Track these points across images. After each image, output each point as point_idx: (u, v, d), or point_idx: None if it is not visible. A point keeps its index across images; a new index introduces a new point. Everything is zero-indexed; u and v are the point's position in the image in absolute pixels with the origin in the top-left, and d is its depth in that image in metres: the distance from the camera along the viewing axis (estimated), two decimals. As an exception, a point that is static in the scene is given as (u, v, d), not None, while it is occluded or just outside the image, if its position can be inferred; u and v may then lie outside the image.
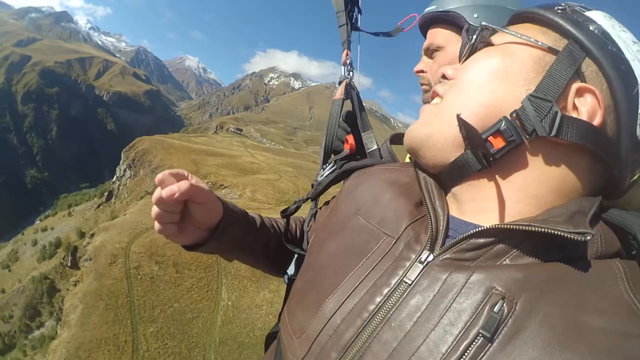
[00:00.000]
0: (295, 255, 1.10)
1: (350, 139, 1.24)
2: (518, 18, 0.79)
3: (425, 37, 1.56)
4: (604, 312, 0.54)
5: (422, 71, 1.59)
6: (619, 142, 0.66)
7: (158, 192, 0.85)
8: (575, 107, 0.66)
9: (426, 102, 1.26)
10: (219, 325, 43.29)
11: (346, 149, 1.24)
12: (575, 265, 0.59)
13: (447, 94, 0.75)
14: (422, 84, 1.59)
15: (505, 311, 0.57)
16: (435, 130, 0.73)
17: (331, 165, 1.15)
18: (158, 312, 43.10)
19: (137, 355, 38.87)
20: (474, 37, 0.78)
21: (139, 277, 46.04)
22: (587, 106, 0.65)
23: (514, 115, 0.65)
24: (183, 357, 39.63)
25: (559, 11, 0.72)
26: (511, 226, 0.60)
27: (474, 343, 0.56)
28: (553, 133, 0.63)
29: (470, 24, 1.33)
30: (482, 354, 0.55)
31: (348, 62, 1.42)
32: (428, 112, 0.76)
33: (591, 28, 0.68)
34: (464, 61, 0.78)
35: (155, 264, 47.86)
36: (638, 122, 0.65)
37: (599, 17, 0.70)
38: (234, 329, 43.05)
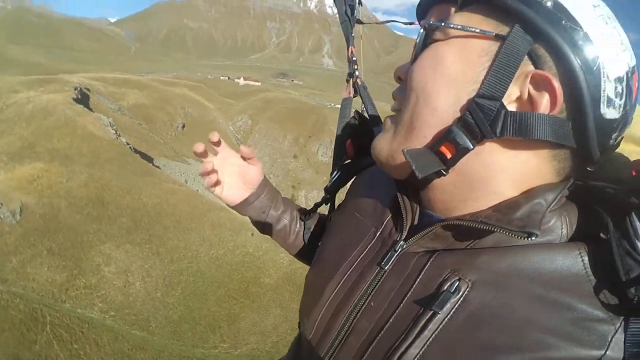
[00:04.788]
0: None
1: (349, 145, 1.21)
2: (462, 3, 0.70)
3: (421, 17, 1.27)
4: (558, 289, 0.57)
5: None
6: (582, 125, 0.60)
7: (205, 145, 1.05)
8: (530, 97, 0.60)
9: None
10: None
11: (348, 154, 1.22)
12: (533, 250, 0.60)
13: (402, 107, 0.72)
14: None
15: (461, 290, 0.61)
16: (395, 150, 0.71)
17: (336, 172, 1.19)
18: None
19: None
20: (418, 39, 0.73)
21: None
22: (542, 95, 0.59)
23: (462, 122, 0.63)
24: None
25: None
26: (466, 223, 0.63)
27: (431, 319, 0.61)
28: (502, 134, 0.60)
29: None
30: (437, 329, 0.61)
31: (354, 59, 1.39)
32: (388, 128, 0.75)
33: (542, 2, 0.59)
34: (412, 62, 0.73)
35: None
36: (602, 100, 0.58)
37: None
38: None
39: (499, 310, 0.58)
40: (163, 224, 19.82)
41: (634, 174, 0.64)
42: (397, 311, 0.66)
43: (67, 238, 17.52)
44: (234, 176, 1.12)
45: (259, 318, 17.71)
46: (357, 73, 1.36)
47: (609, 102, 0.59)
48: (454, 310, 0.60)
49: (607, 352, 0.52)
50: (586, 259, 0.58)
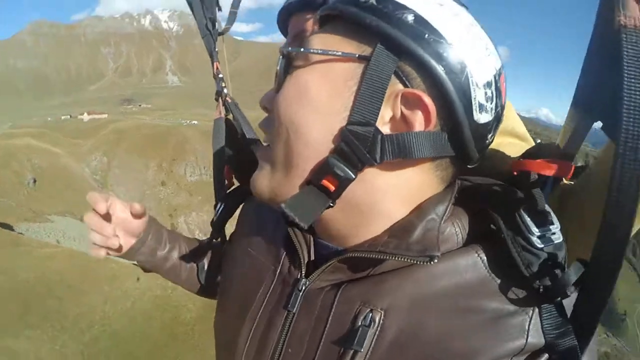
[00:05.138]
0: None
1: (227, 172, 1.18)
2: (321, 21, 0.67)
3: (285, 32, 1.35)
4: (465, 296, 0.59)
5: None
6: (459, 134, 0.60)
7: (94, 211, 1.00)
8: (403, 116, 0.59)
9: None
10: None
11: (227, 182, 1.19)
12: (436, 265, 0.60)
13: (273, 141, 0.67)
14: None
15: (376, 321, 0.60)
16: (277, 187, 0.67)
17: (220, 204, 1.14)
18: None
19: None
20: (278, 66, 0.68)
21: None
22: (415, 113, 0.58)
23: (338, 152, 0.60)
24: None
25: (363, 2, 0.59)
26: (364, 254, 0.61)
27: (354, 357, 0.60)
28: (382, 159, 0.59)
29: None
30: None
31: (220, 76, 1.30)
32: (262, 165, 0.70)
33: (403, 17, 0.57)
34: (276, 91, 0.68)
35: None
36: (474, 107, 0.59)
37: (409, 0, 0.59)
38: None
39: (416, 332, 0.58)
40: (55, 295, 18.65)
41: (515, 173, 0.67)
42: (317, 354, 0.64)
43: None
44: (117, 228, 1.06)
45: (200, 355, 17.31)
46: (225, 91, 1.30)
47: (481, 107, 0.60)
48: (373, 343, 0.60)
49: (529, 340, 0.56)
50: (485, 259, 0.60)
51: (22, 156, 62.94)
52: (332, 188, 0.61)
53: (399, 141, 0.58)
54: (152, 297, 17.33)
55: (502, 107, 0.65)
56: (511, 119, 1.08)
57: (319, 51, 0.62)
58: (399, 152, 0.59)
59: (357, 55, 0.59)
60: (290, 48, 0.65)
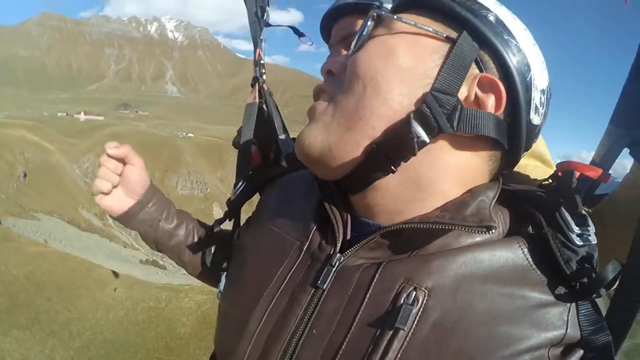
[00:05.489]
0: (225, 273, 1.00)
1: (255, 152, 1.17)
2: (406, 4, 0.71)
3: (327, 37, 1.37)
4: (510, 282, 0.59)
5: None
6: (516, 129, 0.65)
7: (106, 153, 1.00)
8: (476, 98, 0.63)
9: None
10: None
11: (253, 162, 1.17)
12: (480, 249, 0.61)
13: (339, 95, 0.66)
14: None
15: (420, 300, 0.58)
16: (334, 141, 0.65)
17: (241, 182, 1.12)
18: None
19: None
20: (365, 26, 0.70)
21: None
22: (489, 97, 0.62)
23: (419, 114, 0.61)
24: None
25: None
26: (418, 225, 0.61)
27: (394, 338, 0.57)
28: (458, 129, 0.61)
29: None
30: (401, 347, 0.57)
31: (261, 62, 1.32)
32: (319, 116, 0.68)
33: (486, 15, 0.64)
34: (355, 50, 0.69)
35: None
36: (532, 107, 0.65)
37: (491, 4, 0.66)
38: None
39: (461, 315, 0.57)
40: (45, 296, 18.32)
41: (560, 174, 0.72)
42: (350, 335, 0.60)
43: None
44: (117, 186, 1.06)
45: (196, 369, 17.27)
46: (263, 77, 1.31)
47: (536, 110, 0.66)
48: (415, 323, 0.57)
49: (568, 331, 0.56)
50: (526, 251, 0.61)
51: (16, 148, 62.23)
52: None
53: (473, 116, 0.61)
54: (146, 308, 17.08)
55: (545, 119, 0.70)
56: (540, 145, 1.10)
57: (411, 22, 0.65)
58: (471, 126, 0.61)
59: (445, 35, 0.63)
60: (384, 12, 0.68)
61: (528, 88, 0.64)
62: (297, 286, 0.70)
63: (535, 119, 0.66)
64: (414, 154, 0.61)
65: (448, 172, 0.65)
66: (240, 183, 1.13)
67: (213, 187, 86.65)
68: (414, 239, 0.64)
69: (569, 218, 0.62)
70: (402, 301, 0.59)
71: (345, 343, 0.60)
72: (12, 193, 50.94)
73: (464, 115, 0.61)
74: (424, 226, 0.60)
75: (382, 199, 0.66)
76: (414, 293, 0.59)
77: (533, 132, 0.67)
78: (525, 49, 0.64)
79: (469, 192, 0.66)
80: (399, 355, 0.56)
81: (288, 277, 0.72)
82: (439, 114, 0.60)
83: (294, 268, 0.72)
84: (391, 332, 0.57)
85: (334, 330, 0.62)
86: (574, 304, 0.58)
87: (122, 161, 1.04)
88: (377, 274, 0.63)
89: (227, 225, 1.17)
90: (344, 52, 1.24)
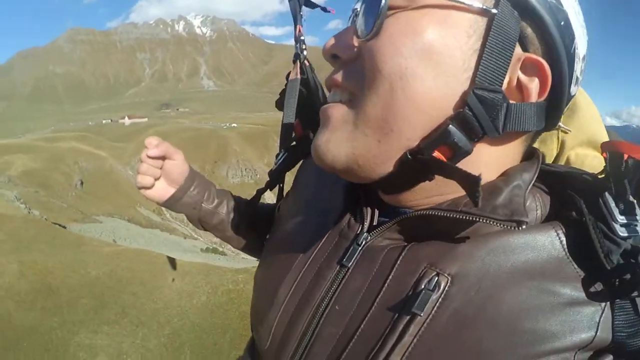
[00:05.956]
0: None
1: (297, 125, 1.16)
2: None
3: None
4: (542, 275, 0.54)
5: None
6: (557, 108, 0.58)
7: (145, 150, 0.99)
8: (519, 83, 0.55)
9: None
10: None
11: (296, 133, 1.17)
12: (513, 236, 0.56)
13: (360, 98, 0.56)
14: None
15: (442, 286, 0.55)
16: (363, 154, 0.57)
17: (282, 152, 1.13)
18: None
19: None
20: (382, 0, 0.54)
21: None
22: (532, 81, 0.55)
23: (460, 119, 0.53)
24: None
25: None
26: (445, 213, 0.56)
27: (411, 322, 0.54)
28: (504, 130, 0.54)
29: None
30: (418, 333, 0.54)
31: (302, 38, 1.28)
32: (339, 124, 0.58)
33: None
34: (371, 35, 0.55)
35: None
36: (573, 79, 0.57)
37: None
38: None
39: (484, 305, 0.53)
40: (129, 291, 18.77)
41: (604, 155, 0.62)
42: (370, 314, 0.59)
43: (35, 343, 15.62)
44: (159, 178, 1.07)
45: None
46: (304, 53, 1.27)
47: (577, 81, 0.59)
48: (435, 309, 0.54)
49: (598, 334, 0.51)
50: (564, 240, 0.56)
51: (69, 159, 64.49)
52: (444, 160, 0.55)
53: (519, 111, 0.55)
54: (226, 291, 17.20)
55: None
56: (600, 133, 1.02)
57: None
58: (517, 124, 0.55)
59: (483, 7, 0.52)
60: None
61: (571, 61, 0.56)
62: (323, 261, 0.68)
63: (574, 90, 0.60)
64: (456, 163, 0.55)
65: (487, 168, 0.59)
66: (282, 153, 1.14)
67: (262, 173, 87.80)
68: (441, 223, 0.59)
69: (612, 205, 0.55)
70: (422, 286, 0.55)
71: (364, 322, 0.58)
72: (72, 201, 52.89)
73: (510, 113, 0.54)
74: (451, 215, 0.55)
75: (413, 195, 0.62)
76: (436, 279, 0.55)
77: (569, 100, 0.60)
78: (571, 13, 0.55)
79: (504, 175, 0.60)
80: (414, 340, 0.54)
81: (316, 251, 0.70)
82: (483, 117, 0.53)
83: (322, 243, 0.71)
84: (409, 317, 0.55)
85: (355, 308, 0.60)
86: (609, 303, 0.53)
87: (163, 157, 1.05)
88: (401, 256, 0.60)
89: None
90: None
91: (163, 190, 1.08)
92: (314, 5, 1.31)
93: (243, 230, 1.20)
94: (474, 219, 0.54)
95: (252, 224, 1.20)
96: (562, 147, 0.99)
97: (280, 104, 1.23)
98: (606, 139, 0.98)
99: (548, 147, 0.96)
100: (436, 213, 0.56)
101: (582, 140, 0.82)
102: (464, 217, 0.54)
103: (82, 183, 61.22)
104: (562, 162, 0.85)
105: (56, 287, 18.24)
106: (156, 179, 1.05)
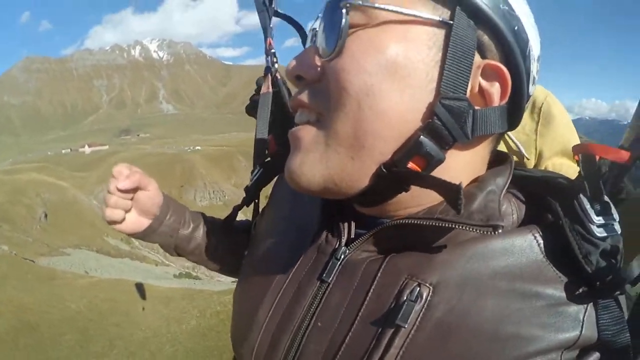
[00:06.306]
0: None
1: (271, 140, 1.14)
2: None
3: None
4: (522, 279, 0.54)
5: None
6: (519, 108, 0.59)
7: (114, 182, 0.91)
8: (481, 90, 0.56)
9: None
10: None
11: (270, 149, 1.15)
12: (490, 241, 0.56)
13: (328, 117, 0.56)
14: None
15: (424, 297, 0.54)
16: (338, 173, 0.57)
17: (257, 168, 1.11)
18: None
19: None
20: (339, 18, 0.54)
21: None
22: (492, 86, 0.56)
23: (429, 129, 0.53)
24: None
25: None
26: (421, 221, 0.55)
27: (396, 335, 0.54)
28: (472, 135, 0.55)
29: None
30: (403, 345, 0.53)
31: (272, 51, 1.25)
32: (310, 146, 0.58)
33: None
34: (334, 55, 0.54)
35: None
36: (531, 80, 0.59)
37: None
38: None
39: (467, 313, 0.53)
40: (113, 322, 18.45)
41: (576, 158, 0.63)
42: (353, 329, 0.58)
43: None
44: (131, 210, 1.00)
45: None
46: (275, 66, 1.26)
47: (534, 80, 0.60)
48: (418, 320, 0.54)
49: (583, 332, 0.52)
50: (542, 243, 0.56)
51: (31, 191, 62.58)
52: (419, 170, 0.55)
53: (485, 116, 0.56)
54: (214, 313, 17.22)
55: None
56: (571, 137, 1.06)
57: (394, 8, 0.53)
58: (484, 128, 0.56)
59: (439, 19, 0.53)
60: (359, 1, 0.54)
61: (528, 63, 0.57)
62: (303, 278, 0.67)
63: (532, 89, 0.61)
64: (431, 172, 0.56)
65: (460, 173, 0.60)
66: (257, 169, 1.11)
67: (230, 194, 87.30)
68: (418, 232, 0.58)
69: (587, 207, 0.56)
70: (405, 297, 0.55)
71: (348, 337, 0.58)
72: (38, 234, 51.33)
73: (477, 119, 0.55)
74: (427, 222, 0.55)
75: (390, 206, 0.62)
76: (418, 289, 0.55)
77: (528, 99, 0.61)
78: (522, 16, 0.56)
79: (477, 181, 0.61)
80: (400, 353, 0.53)
81: (295, 268, 0.70)
82: (452, 126, 0.53)
83: (300, 260, 0.70)
84: (393, 329, 0.54)
85: (338, 324, 0.60)
86: (592, 302, 0.54)
87: (135, 189, 0.97)
88: (381, 269, 0.59)
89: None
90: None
91: (136, 222, 1.01)
92: (284, 17, 1.29)
93: (220, 252, 1.18)
94: (451, 225, 0.53)
95: (229, 244, 1.17)
96: (539, 157, 1.07)
97: (250, 109, 1.26)
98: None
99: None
100: (412, 222, 0.56)
101: (558, 150, 0.85)
102: (440, 224, 0.54)
103: (46, 215, 59.46)
104: None
105: (36, 323, 17.80)
106: (127, 211, 0.98)
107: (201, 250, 1.15)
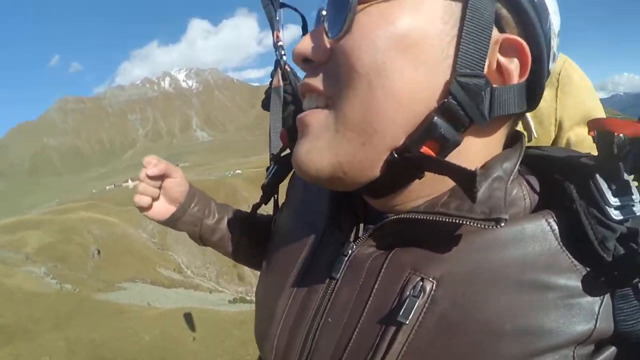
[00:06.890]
0: None
1: (283, 135, 1.10)
2: None
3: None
4: (534, 269, 0.51)
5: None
6: (537, 88, 0.56)
7: (144, 170, 0.98)
8: (499, 66, 0.53)
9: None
10: None
11: (283, 144, 1.13)
12: (499, 230, 0.52)
13: (338, 100, 0.53)
14: None
15: (427, 291, 0.53)
16: (348, 161, 0.54)
17: (272, 165, 1.10)
18: None
19: None
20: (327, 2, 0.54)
21: None
22: (511, 62, 0.52)
23: (444, 109, 0.50)
24: None
25: None
26: (421, 216, 0.54)
27: (399, 331, 0.52)
28: (490, 117, 0.52)
29: None
30: (407, 341, 0.52)
31: (279, 44, 1.24)
32: (318, 132, 0.56)
33: None
34: (343, 33, 0.52)
35: None
36: (551, 57, 0.56)
37: None
38: None
39: (473, 306, 0.51)
40: (190, 350, 18.55)
41: (592, 134, 0.57)
42: (359, 325, 0.57)
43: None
44: (159, 198, 1.06)
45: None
46: (284, 58, 1.24)
47: (554, 57, 0.57)
48: (422, 315, 0.52)
49: (598, 325, 0.49)
50: (556, 229, 0.52)
51: (82, 229, 63.96)
52: (433, 155, 0.52)
53: (503, 94, 0.53)
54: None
55: None
56: (594, 105, 1.02)
57: None
58: (502, 108, 0.53)
59: None
60: None
61: (548, 38, 0.54)
62: (314, 275, 0.67)
63: (552, 66, 0.58)
64: (445, 156, 0.53)
65: (477, 158, 0.57)
66: (272, 166, 1.10)
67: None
68: (422, 226, 0.56)
69: (604, 188, 0.52)
70: (408, 293, 0.54)
71: (355, 333, 0.57)
72: (93, 271, 52.44)
73: (494, 98, 0.52)
74: (427, 217, 0.53)
75: (401, 197, 0.59)
76: (421, 284, 0.53)
77: (548, 77, 0.58)
78: None
79: (483, 167, 0.57)
80: (404, 348, 0.52)
81: (308, 264, 0.70)
82: (468, 105, 0.51)
83: (312, 256, 0.70)
84: (394, 327, 0.53)
85: (346, 319, 0.59)
86: (610, 291, 0.50)
87: (162, 176, 1.03)
88: (385, 263, 0.58)
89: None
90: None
91: (163, 209, 1.06)
92: (289, 7, 1.23)
93: (244, 245, 1.18)
94: (451, 220, 0.52)
95: (251, 240, 1.17)
96: (559, 128, 1.00)
97: (266, 105, 1.22)
98: (603, 115, 0.96)
99: (545, 129, 0.96)
100: (412, 216, 0.55)
101: (579, 119, 0.80)
102: (440, 219, 0.52)
103: (99, 252, 60.72)
104: (562, 144, 0.82)
105: (113, 358, 18.01)
106: (155, 199, 1.04)
107: (225, 242, 1.16)
